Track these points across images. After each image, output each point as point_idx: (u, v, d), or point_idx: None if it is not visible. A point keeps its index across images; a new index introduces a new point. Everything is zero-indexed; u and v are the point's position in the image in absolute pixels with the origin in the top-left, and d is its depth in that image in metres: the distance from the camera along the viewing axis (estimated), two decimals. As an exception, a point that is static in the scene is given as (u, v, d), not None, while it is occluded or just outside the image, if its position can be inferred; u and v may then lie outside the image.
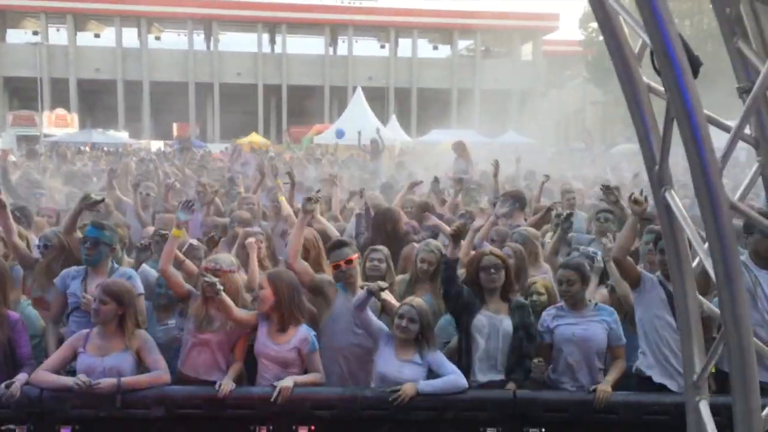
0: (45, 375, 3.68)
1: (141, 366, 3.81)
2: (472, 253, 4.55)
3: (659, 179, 1.85)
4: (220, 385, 3.74)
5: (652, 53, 1.64)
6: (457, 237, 4.11)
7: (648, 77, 1.88)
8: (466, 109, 52.80)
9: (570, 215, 5.12)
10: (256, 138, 40.46)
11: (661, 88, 1.74)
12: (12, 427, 3.61)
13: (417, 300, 4.02)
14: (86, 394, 3.57)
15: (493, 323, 3.99)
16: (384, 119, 33.44)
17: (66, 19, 50.15)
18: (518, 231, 5.47)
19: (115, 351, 3.75)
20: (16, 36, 52.48)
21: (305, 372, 3.92)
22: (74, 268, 4.39)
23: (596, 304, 4.11)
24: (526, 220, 6.58)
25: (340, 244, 4.34)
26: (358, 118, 26.53)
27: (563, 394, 3.97)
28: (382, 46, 56.47)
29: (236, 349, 4.01)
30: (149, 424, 3.73)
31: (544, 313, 4.17)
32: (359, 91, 30.86)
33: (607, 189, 5.96)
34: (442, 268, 4.16)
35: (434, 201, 7.48)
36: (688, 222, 1.82)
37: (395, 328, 3.85)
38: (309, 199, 4.45)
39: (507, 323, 4.00)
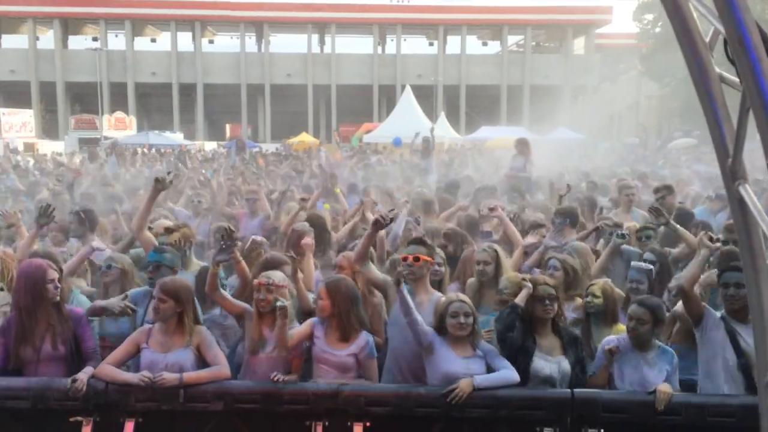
0: (110, 370, 3.80)
1: (201, 361, 3.89)
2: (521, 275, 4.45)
3: (732, 172, 1.77)
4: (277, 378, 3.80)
5: (725, 41, 1.58)
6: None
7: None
8: (516, 105, 52.17)
9: (624, 235, 4.95)
10: (306, 137, 40.95)
11: (734, 78, 1.67)
12: (80, 418, 3.74)
13: (461, 294, 4.04)
14: (150, 388, 3.68)
15: (552, 368, 3.88)
16: (433, 117, 33.37)
17: (124, 25, 51.83)
18: (570, 245, 5.34)
19: (176, 347, 3.85)
20: (77, 42, 54.50)
21: (360, 377, 3.96)
22: (141, 288, 4.54)
23: (660, 346, 3.96)
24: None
25: (420, 242, 4.34)
26: (407, 117, 26.57)
27: (623, 394, 3.87)
28: (431, 44, 56.31)
29: (293, 366, 4.01)
30: (209, 418, 3.81)
31: (603, 343, 4.01)
32: (408, 89, 30.88)
33: (656, 211, 5.74)
34: (506, 311, 4.01)
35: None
36: (763, 216, 1.74)
37: (450, 327, 3.81)
38: (381, 218, 4.30)
39: (565, 365, 3.90)
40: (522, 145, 11.15)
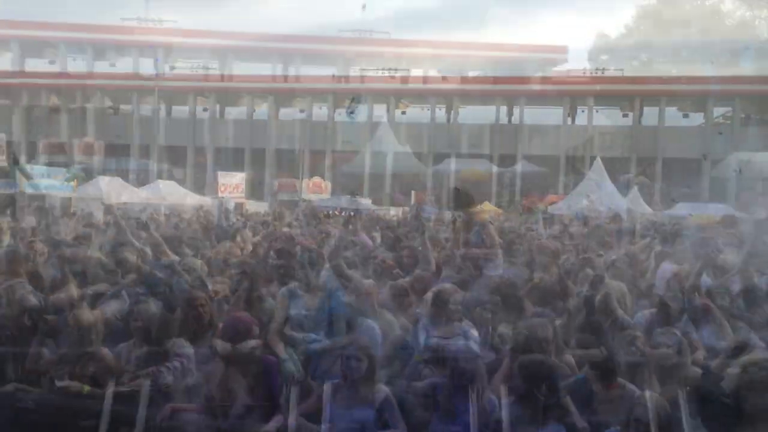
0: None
1: (381, 421, 3.95)
2: None
3: None
4: None
5: None
6: None
7: None
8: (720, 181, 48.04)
9: None
10: (488, 207, 40.93)
11: None
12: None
13: None
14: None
15: None
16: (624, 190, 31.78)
17: (327, 99, 56.75)
18: None
19: (359, 405, 3.95)
20: (286, 114, 60.61)
21: None
22: None
23: None
24: None
25: None
26: (594, 188, 25.59)
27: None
28: (625, 115, 54.29)
29: None
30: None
31: None
32: (598, 161, 29.81)
33: None
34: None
35: None
36: None
37: None
38: None
39: None
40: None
